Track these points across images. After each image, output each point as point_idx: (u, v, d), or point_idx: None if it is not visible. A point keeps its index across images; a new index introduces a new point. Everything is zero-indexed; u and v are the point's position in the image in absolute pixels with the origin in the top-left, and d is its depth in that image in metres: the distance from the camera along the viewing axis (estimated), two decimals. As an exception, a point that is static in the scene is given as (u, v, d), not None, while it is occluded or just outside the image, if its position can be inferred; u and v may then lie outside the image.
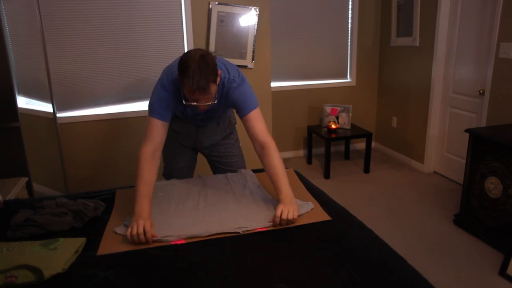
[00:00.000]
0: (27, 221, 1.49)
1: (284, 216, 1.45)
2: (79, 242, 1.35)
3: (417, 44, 3.81)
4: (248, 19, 3.22)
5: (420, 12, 3.74)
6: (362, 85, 4.55)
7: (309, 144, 4.22)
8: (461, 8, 3.34)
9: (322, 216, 1.54)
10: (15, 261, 1.18)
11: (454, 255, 2.48)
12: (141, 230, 1.36)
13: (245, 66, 3.33)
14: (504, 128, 2.62)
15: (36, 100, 3.27)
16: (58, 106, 3.06)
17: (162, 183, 1.87)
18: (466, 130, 2.65)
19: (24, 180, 2.58)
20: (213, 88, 1.52)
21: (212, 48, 3.20)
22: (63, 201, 1.62)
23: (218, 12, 3.14)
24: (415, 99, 3.96)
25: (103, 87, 3.17)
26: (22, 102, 3.35)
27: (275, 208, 1.55)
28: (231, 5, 3.16)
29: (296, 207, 1.50)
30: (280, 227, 1.46)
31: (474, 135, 2.61)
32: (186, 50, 2.70)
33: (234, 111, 1.95)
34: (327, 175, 3.82)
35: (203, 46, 3.22)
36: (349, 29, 4.37)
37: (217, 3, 3.12)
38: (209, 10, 3.14)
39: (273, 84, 4.25)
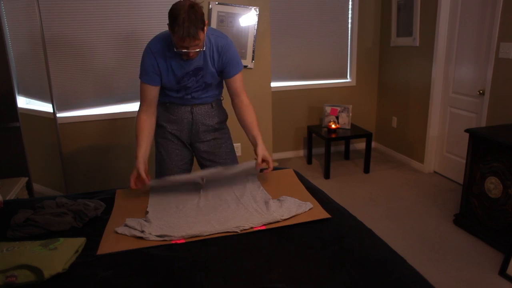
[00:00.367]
0: (27, 221, 1.49)
1: (268, 159, 1.81)
2: (79, 242, 1.35)
3: (417, 44, 3.81)
4: (248, 19, 3.22)
5: (420, 12, 3.74)
6: (362, 85, 4.55)
7: (309, 144, 4.22)
8: (461, 8, 3.34)
9: (322, 214, 1.54)
10: (15, 261, 1.18)
11: (454, 255, 2.48)
12: (135, 173, 1.72)
13: (245, 66, 3.34)
14: (504, 128, 2.62)
15: (36, 100, 3.27)
16: (58, 106, 3.06)
17: (162, 179, 1.84)
18: (466, 130, 2.65)
19: (24, 180, 2.58)
20: (202, 36, 1.66)
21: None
22: (63, 201, 1.62)
23: (218, 12, 3.14)
24: (415, 99, 3.96)
25: (103, 87, 3.17)
26: (22, 102, 3.35)
27: (275, 208, 1.56)
28: (231, 5, 3.16)
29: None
30: (279, 225, 1.47)
31: (474, 135, 2.61)
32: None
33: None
34: (327, 175, 3.82)
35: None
36: (349, 29, 4.37)
37: (217, 3, 3.12)
38: (209, 10, 3.14)
39: (273, 84, 4.25)
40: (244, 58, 3.31)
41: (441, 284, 2.18)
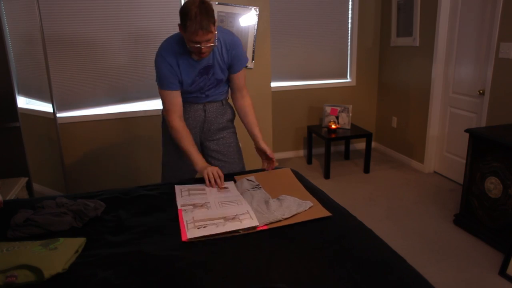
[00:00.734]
0: (27, 221, 1.48)
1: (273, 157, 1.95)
2: (79, 242, 1.34)
3: (417, 44, 3.81)
4: (248, 19, 3.22)
5: (420, 12, 3.74)
6: (362, 85, 4.55)
7: (309, 144, 4.22)
8: (461, 8, 3.34)
9: (322, 212, 1.54)
10: (15, 261, 1.18)
11: (454, 255, 2.48)
12: (216, 174, 1.77)
13: (245, 66, 3.33)
14: (504, 128, 2.62)
15: (36, 100, 3.27)
16: (58, 106, 3.06)
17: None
18: (466, 130, 2.65)
19: (24, 180, 2.58)
20: (214, 30, 1.70)
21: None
22: (63, 201, 1.62)
23: (218, 12, 3.14)
24: (415, 99, 3.96)
25: (103, 87, 3.17)
26: (22, 102, 3.35)
27: (275, 207, 1.56)
28: (231, 5, 3.16)
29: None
30: (280, 224, 1.47)
31: (474, 135, 2.61)
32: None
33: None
34: (327, 175, 3.82)
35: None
36: (349, 29, 4.37)
37: (217, 3, 3.12)
38: (209, 10, 3.14)
39: (273, 84, 4.25)
40: (244, 58, 3.31)
41: (441, 284, 2.18)
